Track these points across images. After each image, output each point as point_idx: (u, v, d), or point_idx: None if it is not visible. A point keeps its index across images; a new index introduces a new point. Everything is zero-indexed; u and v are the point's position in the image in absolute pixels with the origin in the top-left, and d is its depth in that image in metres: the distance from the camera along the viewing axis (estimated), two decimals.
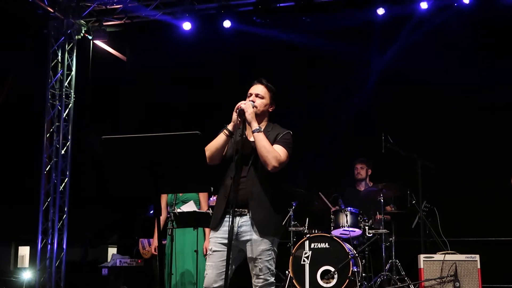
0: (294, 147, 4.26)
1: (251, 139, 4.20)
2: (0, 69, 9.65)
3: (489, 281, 7.21)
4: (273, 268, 4.22)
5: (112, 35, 9.82)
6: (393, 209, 7.91)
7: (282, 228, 4.46)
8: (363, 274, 7.20)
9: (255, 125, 4.13)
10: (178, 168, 3.32)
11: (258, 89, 4.34)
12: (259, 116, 4.28)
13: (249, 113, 4.13)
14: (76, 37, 9.77)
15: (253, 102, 4.26)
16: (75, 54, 9.79)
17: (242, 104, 4.17)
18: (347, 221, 7.32)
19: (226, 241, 4.03)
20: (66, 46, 9.71)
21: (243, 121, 4.16)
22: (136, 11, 9.40)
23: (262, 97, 4.31)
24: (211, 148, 4.16)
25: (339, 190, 8.22)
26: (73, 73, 9.74)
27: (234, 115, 4.18)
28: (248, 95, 4.35)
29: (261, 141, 4.11)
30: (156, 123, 9.87)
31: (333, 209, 7.78)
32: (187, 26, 9.24)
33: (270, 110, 4.40)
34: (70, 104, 9.66)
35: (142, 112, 10.38)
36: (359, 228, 7.35)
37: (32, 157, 9.79)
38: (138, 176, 3.38)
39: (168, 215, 6.63)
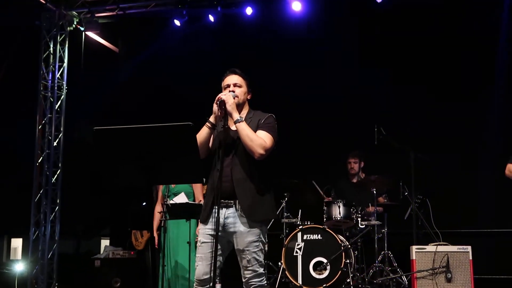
0: (288, 136, 4.25)
1: (234, 128, 4.19)
2: None
3: (480, 272, 7.23)
4: (261, 259, 4.20)
5: (105, 27, 9.77)
6: (385, 200, 7.93)
7: (274, 212, 4.43)
8: (356, 266, 7.23)
9: (236, 116, 4.12)
10: (170, 159, 3.32)
11: (234, 79, 4.34)
12: (240, 105, 4.30)
13: (230, 104, 4.11)
14: (68, 28, 9.69)
15: (233, 92, 4.26)
16: (67, 45, 9.72)
17: (222, 96, 4.16)
18: (339, 213, 7.34)
19: (213, 233, 4.01)
20: (58, 37, 9.64)
21: (224, 112, 4.15)
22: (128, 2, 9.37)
23: (240, 86, 4.32)
24: None
25: (332, 181, 8.25)
26: (65, 64, 9.67)
27: (215, 107, 4.16)
28: (225, 86, 4.34)
29: (243, 130, 4.10)
30: (149, 115, 9.82)
31: (326, 199, 7.81)
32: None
33: (249, 98, 4.41)
34: (62, 96, 9.61)
35: (134, 104, 10.34)
36: (352, 219, 7.38)
37: (24, 149, 9.74)
38: (130, 167, 3.37)
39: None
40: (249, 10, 8.98)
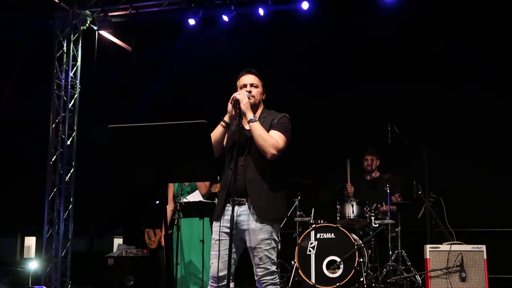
0: (301, 135, 4.25)
1: (247, 127, 4.21)
2: (5, 59, 9.65)
3: (495, 272, 7.17)
4: (273, 257, 4.20)
5: (118, 26, 9.80)
6: (399, 199, 7.89)
7: (285, 212, 4.46)
8: (369, 264, 7.21)
9: (250, 115, 4.15)
10: (184, 157, 3.30)
11: (250, 79, 4.35)
12: (255, 105, 4.31)
13: (244, 104, 4.14)
14: (82, 27, 9.71)
15: (250, 92, 4.27)
16: (80, 44, 9.75)
17: (237, 95, 4.18)
18: (353, 211, 7.31)
19: (227, 230, 4.06)
20: (72, 36, 9.66)
21: (239, 111, 4.16)
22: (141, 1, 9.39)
23: (256, 86, 4.34)
24: None
25: (344, 180, 8.21)
26: (79, 63, 9.70)
27: (229, 106, 4.18)
28: (241, 86, 4.35)
29: (257, 130, 4.12)
30: (162, 113, 9.85)
31: (348, 182, 7.80)
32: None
33: (264, 98, 4.43)
34: (76, 95, 9.64)
35: (147, 103, 10.37)
36: (365, 218, 7.35)
37: (38, 147, 9.78)
38: (144, 165, 3.36)
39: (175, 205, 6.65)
40: (261, 11, 8.97)
